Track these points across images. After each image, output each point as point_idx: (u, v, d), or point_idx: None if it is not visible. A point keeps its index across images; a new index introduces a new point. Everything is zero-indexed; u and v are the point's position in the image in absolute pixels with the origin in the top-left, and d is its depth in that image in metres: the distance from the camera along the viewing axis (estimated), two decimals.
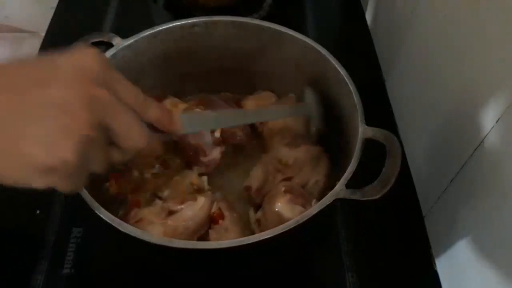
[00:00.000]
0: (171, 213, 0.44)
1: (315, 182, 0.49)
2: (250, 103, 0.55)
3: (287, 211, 0.44)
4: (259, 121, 0.53)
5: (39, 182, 0.27)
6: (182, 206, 0.45)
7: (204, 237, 0.45)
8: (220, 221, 0.45)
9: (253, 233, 0.46)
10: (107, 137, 0.29)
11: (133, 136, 0.30)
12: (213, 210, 0.46)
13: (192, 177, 0.49)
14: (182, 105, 0.54)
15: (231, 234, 0.44)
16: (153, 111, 0.32)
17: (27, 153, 0.26)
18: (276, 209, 0.45)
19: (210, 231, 0.45)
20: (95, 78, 0.28)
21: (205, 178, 0.49)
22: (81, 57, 0.29)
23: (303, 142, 0.51)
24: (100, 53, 0.30)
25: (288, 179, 0.48)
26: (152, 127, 0.32)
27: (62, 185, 0.28)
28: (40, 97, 0.26)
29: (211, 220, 0.46)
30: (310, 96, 0.50)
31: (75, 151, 0.26)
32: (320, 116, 0.50)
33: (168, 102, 0.54)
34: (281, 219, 0.43)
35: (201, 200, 0.45)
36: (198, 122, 0.39)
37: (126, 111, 0.29)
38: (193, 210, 0.44)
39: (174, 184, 0.48)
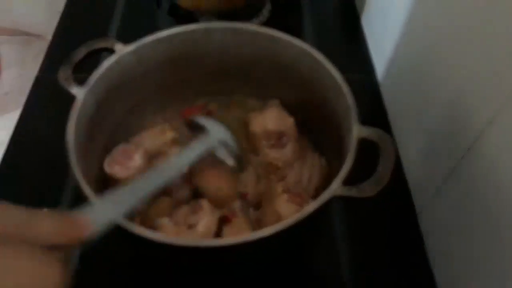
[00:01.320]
0: (191, 227, 0.43)
1: (308, 177, 0.50)
2: (257, 123, 0.53)
3: (286, 210, 0.45)
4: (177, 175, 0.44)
5: None
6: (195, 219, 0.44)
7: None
8: (234, 219, 0.45)
9: None
10: None
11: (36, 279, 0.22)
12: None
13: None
14: (170, 133, 0.53)
15: (246, 232, 0.44)
16: (44, 226, 0.24)
17: None
18: (276, 209, 0.46)
19: (225, 229, 0.44)
20: None
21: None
22: None
23: (288, 140, 0.51)
24: None
25: (282, 178, 0.50)
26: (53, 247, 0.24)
27: None
28: None
29: (224, 220, 0.45)
30: (215, 126, 0.46)
31: None
32: (237, 144, 0.46)
33: (158, 129, 0.53)
34: (281, 218, 0.44)
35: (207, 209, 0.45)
36: (110, 208, 0.31)
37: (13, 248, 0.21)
38: (207, 220, 0.44)
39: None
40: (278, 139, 0.52)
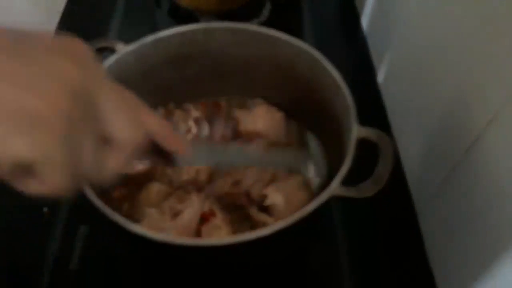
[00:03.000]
0: (176, 214, 0.44)
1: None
2: (246, 119, 0.55)
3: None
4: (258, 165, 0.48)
5: (18, 146, 0.21)
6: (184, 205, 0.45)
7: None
8: (212, 218, 0.45)
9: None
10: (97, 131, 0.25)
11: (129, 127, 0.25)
12: (204, 209, 0.46)
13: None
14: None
15: (223, 232, 0.44)
16: (153, 122, 0.28)
17: (16, 98, 0.21)
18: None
19: (202, 228, 0.45)
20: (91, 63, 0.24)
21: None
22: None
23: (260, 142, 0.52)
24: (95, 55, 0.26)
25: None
26: (150, 149, 0.28)
27: (49, 168, 0.22)
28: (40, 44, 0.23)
29: (202, 218, 0.45)
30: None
31: (69, 103, 0.22)
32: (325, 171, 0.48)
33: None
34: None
35: (195, 200, 0.45)
36: (204, 155, 0.36)
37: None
38: (193, 209, 0.45)
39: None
40: (268, 145, 0.53)
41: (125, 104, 0.26)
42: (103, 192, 0.41)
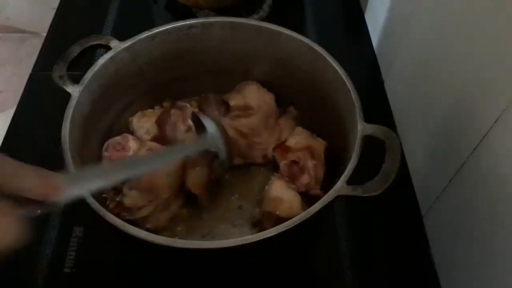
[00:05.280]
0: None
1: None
2: (236, 97, 0.54)
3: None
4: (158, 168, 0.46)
5: None
6: None
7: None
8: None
9: None
10: None
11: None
12: None
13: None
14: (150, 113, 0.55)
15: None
16: (28, 181, 0.26)
17: None
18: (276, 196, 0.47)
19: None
20: None
21: None
22: None
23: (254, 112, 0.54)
24: None
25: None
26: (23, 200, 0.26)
27: None
28: None
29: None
30: (212, 127, 0.47)
31: None
32: (227, 148, 0.47)
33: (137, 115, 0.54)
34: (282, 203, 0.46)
35: None
36: (84, 181, 0.32)
37: None
38: None
39: None
40: (244, 110, 0.53)
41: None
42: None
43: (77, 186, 0.30)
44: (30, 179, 0.26)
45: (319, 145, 0.51)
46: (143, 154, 0.48)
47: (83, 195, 0.31)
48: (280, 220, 0.42)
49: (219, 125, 0.48)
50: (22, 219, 0.24)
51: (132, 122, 0.54)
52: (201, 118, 0.48)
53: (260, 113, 0.53)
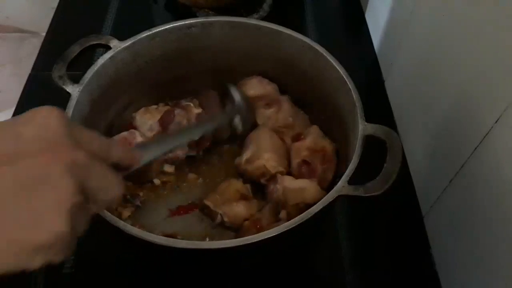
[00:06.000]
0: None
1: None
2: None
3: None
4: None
5: (36, 262, 0.25)
6: None
7: None
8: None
9: None
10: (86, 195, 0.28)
11: (112, 187, 0.29)
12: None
13: (238, 185, 0.50)
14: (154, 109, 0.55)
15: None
16: (116, 152, 0.32)
17: (17, 238, 0.24)
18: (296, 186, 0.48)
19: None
20: (64, 141, 0.26)
21: (248, 186, 0.51)
22: (42, 122, 0.27)
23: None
24: (58, 110, 0.28)
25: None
26: (114, 167, 0.31)
27: (59, 258, 0.26)
28: (14, 175, 0.24)
29: None
30: (236, 94, 0.53)
31: (67, 221, 0.25)
32: (250, 115, 0.53)
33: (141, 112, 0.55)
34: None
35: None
36: (152, 150, 0.39)
37: (101, 165, 0.28)
38: None
39: (221, 191, 0.50)
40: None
41: (99, 151, 0.29)
42: None
43: (147, 155, 0.37)
44: (118, 152, 0.32)
45: (331, 148, 0.52)
46: (184, 126, 0.53)
47: (150, 161, 0.38)
48: (308, 206, 0.42)
49: (244, 94, 0.54)
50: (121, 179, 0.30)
51: (135, 118, 0.54)
52: (229, 88, 0.53)
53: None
